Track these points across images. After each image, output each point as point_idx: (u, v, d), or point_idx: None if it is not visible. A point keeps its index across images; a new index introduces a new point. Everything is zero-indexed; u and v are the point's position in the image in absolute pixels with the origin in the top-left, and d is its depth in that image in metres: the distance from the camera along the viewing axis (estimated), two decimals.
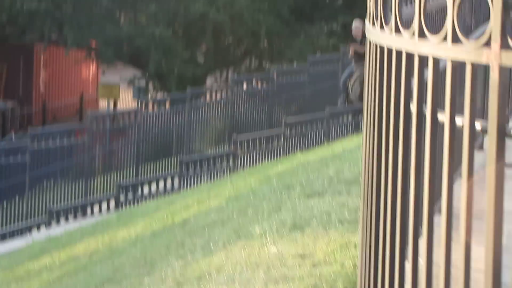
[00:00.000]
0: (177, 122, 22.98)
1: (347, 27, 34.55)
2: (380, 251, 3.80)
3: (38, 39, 37.79)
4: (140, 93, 36.96)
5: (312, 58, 26.96)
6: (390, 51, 3.69)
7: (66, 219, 15.24)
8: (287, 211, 7.37)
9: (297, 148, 17.82)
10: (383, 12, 3.80)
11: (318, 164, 9.45)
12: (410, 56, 3.48)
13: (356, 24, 22.10)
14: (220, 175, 16.70)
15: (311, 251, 6.15)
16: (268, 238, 6.61)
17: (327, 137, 18.82)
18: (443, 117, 3.17)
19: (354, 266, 5.77)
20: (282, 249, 6.29)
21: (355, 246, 6.10)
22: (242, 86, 25.29)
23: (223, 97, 24.63)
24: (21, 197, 20.25)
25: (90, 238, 11.30)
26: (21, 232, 15.08)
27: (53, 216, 15.28)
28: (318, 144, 17.79)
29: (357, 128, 19.72)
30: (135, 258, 8.34)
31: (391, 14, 3.68)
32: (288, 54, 33.76)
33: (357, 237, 6.37)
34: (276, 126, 19.30)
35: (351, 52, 21.56)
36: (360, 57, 20.69)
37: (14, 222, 18.83)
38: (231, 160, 17.39)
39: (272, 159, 16.74)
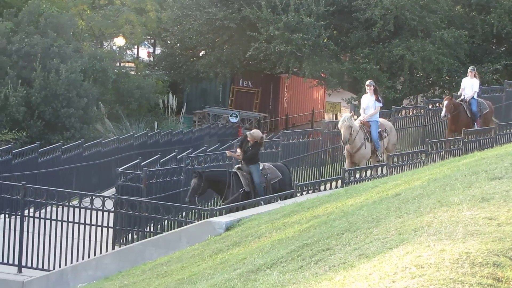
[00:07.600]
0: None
1: (508, 67, 33.41)
2: None
3: (284, 71, 38.35)
4: (355, 110, 36.89)
5: (481, 88, 26.32)
6: None
7: (307, 192, 15.24)
8: (476, 188, 7.17)
9: (473, 149, 17.27)
10: None
11: (495, 159, 8.99)
12: None
13: (255, 133, 16.50)
14: (416, 167, 16.20)
15: (496, 215, 6.00)
16: (463, 206, 6.46)
17: (495, 143, 18.20)
18: None
19: None
20: (474, 213, 6.16)
21: None
22: (429, 106, 24.88)
23: (416, 113, 24.18)
24: None
25: (326, 204, 10.95)
26: (275, 199, 15.21)
27: (298, 189, 15.36)
28: (488, 147, 17.12)
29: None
30: (364, 216, 8.07)
31: None
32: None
33: None
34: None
35: (239, 155, 16.25)
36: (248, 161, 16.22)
37: None
38: (424, 156, 17.09)
39: (454, 156, 16.06)
